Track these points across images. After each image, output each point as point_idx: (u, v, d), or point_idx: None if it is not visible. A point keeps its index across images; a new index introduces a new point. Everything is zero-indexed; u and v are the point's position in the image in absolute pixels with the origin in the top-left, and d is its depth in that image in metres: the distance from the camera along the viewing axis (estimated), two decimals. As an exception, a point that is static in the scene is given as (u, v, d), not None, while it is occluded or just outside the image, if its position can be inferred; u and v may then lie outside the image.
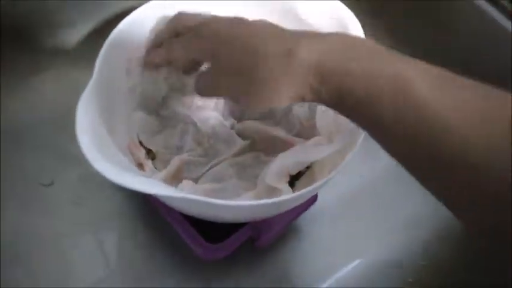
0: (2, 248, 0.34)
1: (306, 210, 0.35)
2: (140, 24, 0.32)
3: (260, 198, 0.28)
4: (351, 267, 0.37)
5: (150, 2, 0.33)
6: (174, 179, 0.31)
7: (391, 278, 0.36)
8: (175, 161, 0.31)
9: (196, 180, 0.32)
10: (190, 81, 0.36)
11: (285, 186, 0.28)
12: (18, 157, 0.38)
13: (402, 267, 0.37)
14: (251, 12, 0.35)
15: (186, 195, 0.22)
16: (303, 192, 0.24)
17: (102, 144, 0.24)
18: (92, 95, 0.26)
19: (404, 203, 0.41)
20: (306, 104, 0.36)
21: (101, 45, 0.30)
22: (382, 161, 0.43)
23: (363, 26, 0.33)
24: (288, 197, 0.24)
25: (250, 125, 0.36)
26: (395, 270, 0.37)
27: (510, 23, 0.40)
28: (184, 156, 0.32)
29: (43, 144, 0.39)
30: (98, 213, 0.36)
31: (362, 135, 0.27)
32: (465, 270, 0.36)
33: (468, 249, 0.39)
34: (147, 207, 0.37)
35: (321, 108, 0.33)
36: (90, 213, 0.36)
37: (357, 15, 0.34)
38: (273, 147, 0.35)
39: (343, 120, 0.30)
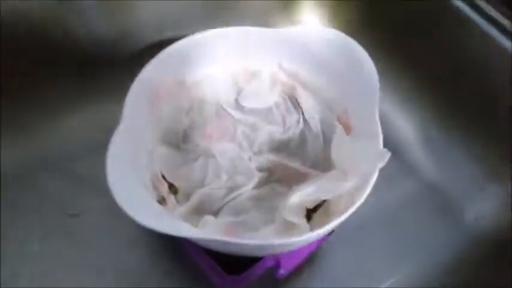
0: (30, 274, 0.35)
1: (324, 240, 0.36)
2: (169, 61, 0.34)
3: (279, 232, 0.29)
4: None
5: (182, 40, 0.35)
6: (195, 213, 0.32)
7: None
8: (197, 196, 0.32)
9: (216, 212, 0.33)
10: (210, 114, 0.38)
11: (302, 221, 0.29)
12: (48, 188, 0.40)
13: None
14: (259, 38, 0.37)
15: (211, 236, 0.23)
16: (320, 231, 0.25)
17: (131, 186, 0.25)
18: (120, 137, 0.27)
19: (417, 231, 0.42)
20: (321, 137, 0.37)
21: (126, 81, 0.32)
22: (398, 189, 0.44)
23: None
24: (305, 236, 0.25)
25: (267, 157, 0.37)
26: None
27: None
28: (205, 190, 0.33)
29: (72, 177, 0.41)
30: (121, 242, 0.38)
31: (376, 173, 0.28)
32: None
33: (484, 274, 0.39)
34: (169, 237, 0.38)
35: (336, 142, 0.34)
36: (114, 242, 0.38)
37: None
38: (289, 178, 0.36)
39: (358, 154, 0.31)
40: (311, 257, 0.38)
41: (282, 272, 0.34)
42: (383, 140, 0.49)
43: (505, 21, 0.41)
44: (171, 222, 0.23)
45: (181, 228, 0.23)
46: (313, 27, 0.36)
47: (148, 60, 0.34)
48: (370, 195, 0.31)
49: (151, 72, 0.33)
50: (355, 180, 0.29)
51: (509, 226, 0.41)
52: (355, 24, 0.53)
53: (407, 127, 0.49)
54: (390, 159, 0.46)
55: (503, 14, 0.41)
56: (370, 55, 0.51)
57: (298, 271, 0.37)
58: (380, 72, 0.51)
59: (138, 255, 0.37)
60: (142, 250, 0.38)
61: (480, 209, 0.43)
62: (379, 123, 0.32)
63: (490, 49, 0.41)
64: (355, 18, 0.52)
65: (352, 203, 0.27)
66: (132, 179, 0.27)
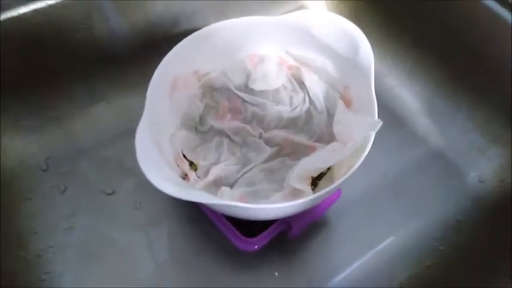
0: (78, 247, 0.41)
1: (330, 206, 0.39)
2: (183, 53, 0.38)
3: (286, 199, 0.33)
4: (373, 253, 0.41)
5: (198, 32, 0.38)
6: (214, 186, 0.36)
7: (410, 262, 0.40)
8: (214, 171, 0.37)
9: (232, 185, 0.38)
10: (221, 98, 0.42)
11: (307, 188, 0.33)
12: (84, 172, 0.46)
13: (421, 252, 0.41)
14: (266, 26, 0.40)
15: (227, 202, 0.27)
16: (320, 194, 0.29)
17: (157, 165, 0.30)
18: (145, 124, 0.32)
19: (421, 194, 0.45)
20: (325, 113, 0.41)
21: (146, 72, 0.36)
22: (404, 157, 0.47)
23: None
24: (307, 199, 0.28)
25: (276, 133, 0.41)
26: (414, 254, 0.41)
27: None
28: (221, 166, 0.38)
29: (104, 159, 0.46)
30: (152, 216, 0.43)
31: (371, 140, 0.32)
32: (481, 258, 0.39)
33: (486, 240, 0.41)
34: (194, 209, 0.43)
35: (337, 116, 0.38)
36: (146, 215, 0.43)
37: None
38: (297, 152, 0.40)
39: (355, 124, 0.34)
40: (320, 222, 0.42)
41: (293, 233, 0.38)
42: (390, 112, 0.52)
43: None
44: (194, 192, 0.28)
45: (202, 195, 0.27)
46: (315, 11, 0.39)
47: (166, 52, 0.39)
48: (378, 162, 0.34)
49: (168, 65, 0.37)
50: (351, 148, 0.32)
51: (510, 187, 0.44)
52: (356, 7, 0.55)
53: (413, 99, 0.51)
54: (397, 129, 0.49)
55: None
56: (375, 34, 0.54)
57: (308, 233, 0.42)
58: (385, 49, 0.54)
59: (167, 226, 0.42)
60: (171, 222, 0.42)
61: (482, 172, 0.46)
62: (374, 96, 0.35)
63: (488, 19, 0.43)
64: (356, 1, 0.54)
65: (351, 168, 0.31)
66: (158, 159, 0.32)
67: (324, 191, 0.29)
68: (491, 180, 0.45)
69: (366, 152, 0.31)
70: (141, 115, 0.35)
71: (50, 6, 0.41)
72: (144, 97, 0.36)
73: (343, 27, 0.37)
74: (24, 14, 0.40)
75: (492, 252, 0.39)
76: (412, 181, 0.46)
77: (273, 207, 0.28)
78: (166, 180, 0.28)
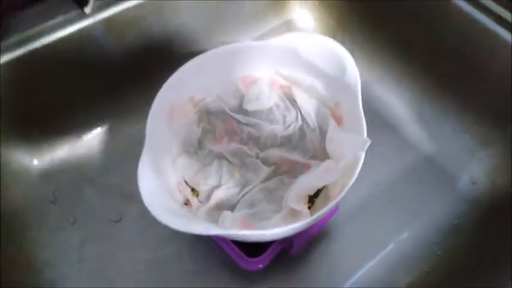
0: (89, 276, 0.43)
1: (327, 221, 0.41)
2: (179, 82, 0.39)
3: (285, 220, 0.35)
4: (374, 262, 0.42)
5: (192, 60, 0.40)
6: (216, 210, 0.38)
7: (410, 269, 0.42)
8: (215, 196, 0.38)
9: (233, 207, 0.39)
10: (217, 121, 0.44)
11: (304, 208, 0.35)
12: (91, 201, 0.47)
13: (420, 257, 0.42)
14: (257, 50, 0.42)
15: (227, 231, 0.29)
16: (318, 215, 0.31)
17: (160, 198, 0.31)
18: (146, 158, 0.33)
19: (416, 199, 0.46)
20: (318, 130, 0.42)
21: (146, 97, 0.38)
22: (396, 163, 0.49)
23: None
24: (306, 221, 0.30)
25: (272, 153, 0.42)
26: (414, 261, 0.42)
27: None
28: (222, 189, 0.39)
29: (108, 187, 0.48)
30: (159, 239, 0.44)
31: (362, 158, 0.33)
32: (479, 261, 0.41)
33: (483, 242, 0.43)
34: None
35: (329, 134, 0.39)
36: (153, 239, 0.44)
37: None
38: (293, 170, 0.42)
39: (346, 143, 0.36)
40: (320, 234, 0.44)
41: (294, 250, 0.39)
42: (380, 119, 0.53)
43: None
44: (195, 225, 0.29)
45: (203, 227, 0.29)
46: (303, 34, 0.40)
47: (163, 76, 0.40)
48: (370, 171, 0.35)
49: (165, 95, 0.38)
50: (343, 168, 0.33)
51: (502, 187, 0.45)
52: (345, 17, 0.56)
53: (402, 105, 0.53)
54: (388, 136, 0.50)
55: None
56: (362, 41, 0.55)
57: (309, 248, 0.43)
58: (373, 56, 0.55)
59: (173, 249, 0.44)
60: (177, 244, 0.44)
61: (474, 174, 0.47)
62: (362, 114, 0.36)
63: (471, 26, 0.44)
64: (343, 10, 0.56)
65: (345, 186, 0.32)
66: (160, 191, 0.34)
67: (321, 211, 0.31)
68: (483, 182, 0.46)
69: (358, 170, 0.33)
70: (141, 140, 0.37)
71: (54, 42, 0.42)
72: (143, 122, 0.37)
73: (330, 49, 0.39)
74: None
75: (490, 254, 0.41)
76: (406, 187, 0.47)
77: (273, 232, 0.30)
78: (169, 213, 0.30)
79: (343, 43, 0.56)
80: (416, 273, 0.41)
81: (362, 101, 0.38)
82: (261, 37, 0.59)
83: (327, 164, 0.37)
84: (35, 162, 0.47)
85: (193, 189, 0.40)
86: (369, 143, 0.33)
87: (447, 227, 0.45)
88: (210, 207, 0.38)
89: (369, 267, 0.42)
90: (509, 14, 0.42)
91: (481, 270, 0.40)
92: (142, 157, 0.33)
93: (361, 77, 0.53)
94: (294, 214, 0.35)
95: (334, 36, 0.58)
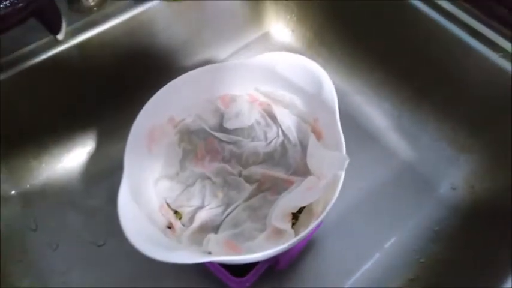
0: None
1: (311, 235, 0.41)
2: (158, 104, 0.39)
3: (270, 239, 0.35)
4: (360, 273, 0.43)
5: (172, 82, 0.40)
6: (200, 232, 0.38)
7: (395, 277, 0.42)
8: (198, 218, 0.38)
9: (217, 228, 0.39)
10: (198, 141, 0.44)
11: (287, 226, 0.35)
12: (73, 225, 0.47)
13: (404, 265, 0.43)
14: (235, 70, 0.42)
15: (210, 258, 0.29)
16: (302, 234, 0.31)
17: (142, 226, 0.31)
18: (126, 186, 0.33)
19: (398, 207, 0.47)
20: (299, 145, 0.42)
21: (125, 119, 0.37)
22: (377, 172, 0.49)
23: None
24: (291, 241, 0.30)
25: (254, 170, 0.42)
26: (398, 269, 0.43)
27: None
28: (205, 210, 0.39)
29: (92, 210, 0.47)
30: (144, 261, 0.44)
31: (342, 176, 0.34)
32: (461, 267, 0.42)
33: (464, 247, 0.43)
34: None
35: (310, 149, 0.40)
36: (138, 262, 0.44)
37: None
38: (276, 186, 0.42)
39: (326, 160, 0.36)
40: (306, 247, 0.44)
41: (281, 266, 0.40)
42: (360, 129, 0.54)
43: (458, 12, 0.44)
44: (177, 254, 0.29)
45: (184, 256, 0.29)
46: (280, 53, 0.41)
47: (142, 96, 0.39)
48: (352, 180, 0.36)
49: (144, 118, 0.38)
50: (324, 187, 0.34)
51: (482, 192, 0.46)
52: (322, 29, 0.57)
53: (381, 115, 0.54)
54: (368, 146, 0.51)
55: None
56: (340, 52, 0.56)
57: (296, 260, 0.43)
58: (350, 68, 0.56)
59: (160, 271, 0.43)
60: (164, 267, 0.43)
61: (453, 180, 0.48)
62: (341, 131, 0.36)
63: (447, 39, 0.45)
64: (319, 22, 0.57)
65: (328, 203, 0.33)
66: (142, 217, 0.33)
67: (305, 231, 0.31)
68: (463, 187, 0.47)
69: (339, 187, 0.33)
70: (122, 160, 0.36)
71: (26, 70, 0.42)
72: (123, 142, 0.37)
73: (306, 67, 0.39)
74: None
75: (471, 260, 0.42)
76: (388, 196, 0.48)
77: (258, 256, 0.30)
78: (152, 243, 0.29)
79: (320, 55, 0.58)
80: (400, 282, 0.42)
81: (341, 111, 0.38)
82: (240, 51, 0.59)
83: (308, 181, 0.37)
84: (13, 191, 0.47)
85: (176, 212, 0.40)
86: (347, 161, 0.33)
87: (428, 233, 0.46)
88: (194, 230, 0.38)
89: (356, 278, 0.43)
90: (483, 27, 0.43)
91: (463, 276, 0.41)
92: (121, 186, 0.33)
93: (340, 88, 0.54)
94: (278, 233, 0.35)
95: (311, 48, 0.59)
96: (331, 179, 0.34)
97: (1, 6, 0.31)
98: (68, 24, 0.40)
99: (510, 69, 0.41)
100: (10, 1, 0.32)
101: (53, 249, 0.45)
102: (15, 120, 0.44)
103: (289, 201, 0.36)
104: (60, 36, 0.39)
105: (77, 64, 0.43)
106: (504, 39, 0.42)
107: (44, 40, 0.41)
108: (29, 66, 0.40)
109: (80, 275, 0.44)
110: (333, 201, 0.33)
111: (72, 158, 0.50)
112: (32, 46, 0.41)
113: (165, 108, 0.41)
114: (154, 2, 0.45)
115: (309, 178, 0.38)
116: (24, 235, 0.45)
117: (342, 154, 0.35)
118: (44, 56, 0.40)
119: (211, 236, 0.36)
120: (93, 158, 0.50)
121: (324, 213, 0.32)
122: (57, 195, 0.48)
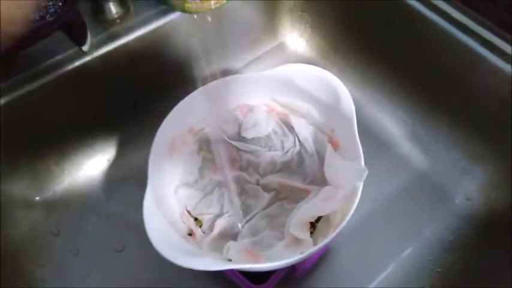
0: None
1: (329, 245, 0.42)
2: (179, 115, 0.40)
3: (289, 247, 0.36)
4: (377, 282, 0.43)
5: (191, 93, 0.41)
6: (220, 239, 0.39)
7: (409, 286, 0.43)
8: (218, 226, 0.39)
9: (236, 235, 0.40)
10: (217, 149, 0.45)
11: (306, 235, 0.36)
12: (94, 231, 0.48)
13: (420, 275, 0.43)
14: (253, 81, 0.43)
15: (231, 265, 0.30)
16: (319, 245, 0.32)
17: (166, 234, 0.32)
18: (150, 194, 0.34)
19: (413, 217, 0.47)
20: (316, 155, 0.43)
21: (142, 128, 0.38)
22: (391, 182, 0.50)
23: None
24: (307, 252, 0.31)
25: (271, 179, 0.43)
26: (414, 279, 0.43)
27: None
28: (224, 218, 0.40)
29: (112, 216, 0.48)
30: (163, 268, 0.45)
31: (360, 187, 0.34)
32: (476, 277, 0.42)
33: (479, 257, 0.44)
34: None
35: (327, 160, 0.40)
36: (157, 269, 0.45)
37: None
38: (293, 195, 0.43)
39: (344, 171, 0.37)
40: (322, 256, 0.45)
41: (298, 273, 0.40)
42: (374, 138, 0.54)
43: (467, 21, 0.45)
44: (201, 260, 0.30)
45: (207, 263, 0.30)
46: (297, 65, 0.42)
47: (163, 106, 0.41)
48: (367, 189, 0.36)
49: (166, 128, 0.39)
50: (342, 197, 0.35)
51: (496, 202, 0.47)
52: (336, 39, 0.58)
53: (395, 123, 0.54)
54: (382, 155, 0.52)
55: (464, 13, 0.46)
56: (354, 61, 0.57)
57: (313, 268, 0.44)
58: (364, 76, 0.57)
59: (179, 278, 0.44)
60: (183, 273, 0.44)
61: (468, 190, 0.49)
62: (359, 142, 0.37)
63: (460, 49, 0.45)
64: (333, 32, 0.57)
65: (346, 214, 0.33)
66: (165, 225, 0.34)
67: (324, 241, 0.32)
68: (477, 198, 0.48)
69: (357, 199, 0.34)
70: (141, 167, 0.37)
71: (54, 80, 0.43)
72: (143, 150, 0.38)
73: (324, 78, 0.40)
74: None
75: (486, 271, 0.42)
76: (402, 206, 0.49)
77: (279, 264, 0.31)
78: (177, 251, 0.30)
79: (334, 64, 0.59)
80: (415, 292, 0.42)
81: (356, 120, 0.39)
82: (256, 60, 0.60)
83: (326, 191, 0.38)
84: (37, 197, 0.48)
85: (196, 219, 0.41)
86: (366, 172, 0.34)
87: (443, 243, 0.46)
88: (214, 237, 0.38)
89: (371, 287, 0.43)
90: (494, 37, 0.44)
91: (478, 285, 0.41)
92: (146, 194, 0.34)
93: (354, 96, 0.55)
94: (297, 241, 0.36)
95: (325, 57, 0.60)
96: (349, 190, 0.34)
97: (32, 20, 0.33)
98: (92, 36, 0.42)
99: (524, 80, 0.41)
100: (40, 16, 0.33)
101: (74, 254, 0.46)
102: (40, 128, 0.45)
103: (307, 210, 0.37)
104: (85, 48, 0.40)
105: (101, 74, 0.44)
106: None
107: (70, 51, 0.42)
108: (56, 76, 0.41)
109: (99, 280, 0.45)
110: (351, 213, 0.33)
111: (93, 166, 0.51)
112: (59, 57, 0.42)
113: (185, 119, 0.42)
114: (175, 14, 0.47)
115: (326, 188, 0.38)
116: (47, 240, 0.47)
117: (361, 165, 0.35)
118: (70, 67, 0.42)
119: (231, 244, 0.37)
120: (113, 166, 0.52)
121: (343, 224, 0.33)
122: (78, 202, 0.49)
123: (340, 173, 0.37)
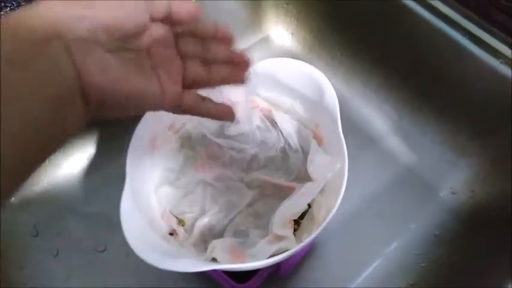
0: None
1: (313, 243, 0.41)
2: (157, 114, 0.39)
3: (271, 244, 0.35)
4: (363, 278, 0.43)
5: None
6: (203, 239, 0.38)
7: (396, 282, 0.42)
8: (201, 225, 0.38)
9: (220, 234, 0.39)
10: (199, 146, 0.44)
11: (289, 233, 0.35)
12: (74, 232, 0.46)
13: (405, 270, 0.43)
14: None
15: (216, 266, 0.29)
16: (304, 243, 0.31)
17: (145, 235, 0.31)
18: (128, 193, 0.33)
19: (399, 211, 0.47)
20: (300, 151, 0.42)
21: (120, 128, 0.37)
22: (378, 176, 0.50)
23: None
24: (291, 251, 0.30)
25: (255, 176, 0.42)
26: (399, 274, 0.43)
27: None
28: (207, 216, 0.39)
29: (92, 216, 0.47)
30: (145, 269, 0.44)
31: (344, 183, 0.33)
32: (462, 271, 0.42)
33: (465, 251, 0.44)
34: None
35: (311, 155, 0.40)
36: (139, 269, 0.44)
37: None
38: (278, 192, 0.42)
39: (323, 163, 0.36)
40: (307, 253, 0.44)
41: (283, 271, 0.40)
42: (361, 132, 0.54)
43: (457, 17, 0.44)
44: (181, 261, 0.29)
45: (188, 264, 0.29)
46: (281, 59, 0.41)
47: None
48: (354, 184, 0.36)
49: (145, 125, 0.38)
50: (314, 188, 0.34)
51: (482, 196, 0.47)
52: (322, 32, 0.57)
53: (381, 118, 0.54)
54: (369, 149, 0.51)
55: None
56: (340, 55, 0.56)
57: (298, 265, 0.43)
58: (350, 70, 0.56)
59: (161, 278, 0.43)
60: (164, 273, 0.43)
61: (454, 184, 0.49)
62: (342, 137, 0.36)
63: (446, 43, 0.45)
64: (319, 25, 0.56)
65: (330, 210, 0.33)
66: (144, 225, 0.33)
67: (308, 239, 0.31)
68: (463, 192, 0.48)
69: (342, 194, 0.33)
70: (121, 167, 0.36)
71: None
72: (123, 149, 0.36)
73: (308, 74, 0.39)
74: None
75: (471, 265, 0.42)
76: (388, 200, 0.48)
77: (260, 264, 0.30)
78: (156, 252, 0.29)
79: (320, 57, 0.58)
80: (402, 286, 0.42)
81: (342, 114, 0.38)
82: (240, 54, 0.59)
83: (307, 186, 0.37)
84: (13, 198, 0.46)
85: (178, 218, 0.40)
86: (338, 164, 0.34)
87: (429, 237, 0.46)
88: (197, 236, 0.37)
89: (357, 283, 0.43)
90: (483, 33, 0.43)
91: (464, 280, 0.41)
92: (124, 193, 0.33)
93: (340, 90, 0.54)
94: (280, 238, 0.35)
95: (311, 51, 0.59)
96: (321, 181, 0.34)
97: None
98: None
99: (510, 75, 0.41)
100: None
101: (54, 255, 0.45)
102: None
103: (286, 208, 0.36)
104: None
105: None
106: (504, 45, 0.42)
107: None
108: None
109: (80, 281, 0.44)
110: (335, 209, 0.33)
111: (72, 164, 0.50)
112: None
113: (165, 115, 0.41)
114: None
115: (307, 184, 0.38)
116: (25, 241, 0.45)
117: (343, 158, 0.35)
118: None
119: (217, 243, 0.36)
120: (93, 164, 0.50)
121: (327, 220, 0.32)
122: (57, 201, 0.48)
123: (319, 166, 0.37)
